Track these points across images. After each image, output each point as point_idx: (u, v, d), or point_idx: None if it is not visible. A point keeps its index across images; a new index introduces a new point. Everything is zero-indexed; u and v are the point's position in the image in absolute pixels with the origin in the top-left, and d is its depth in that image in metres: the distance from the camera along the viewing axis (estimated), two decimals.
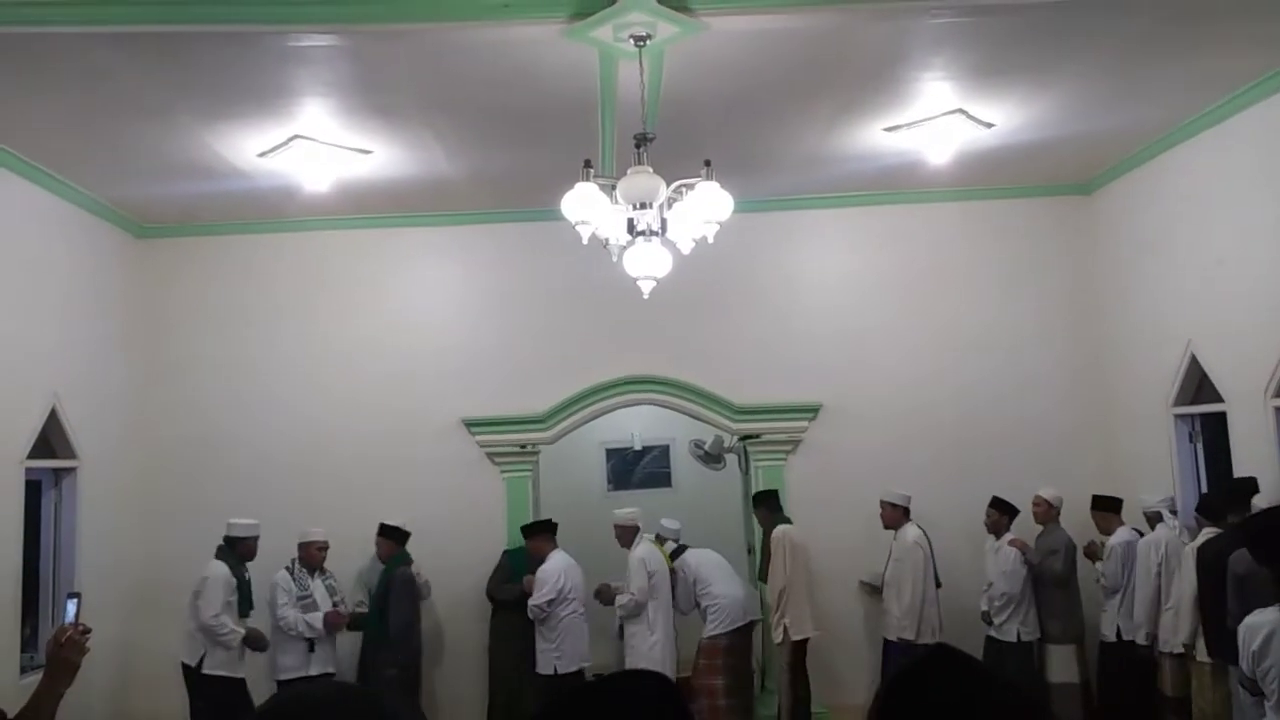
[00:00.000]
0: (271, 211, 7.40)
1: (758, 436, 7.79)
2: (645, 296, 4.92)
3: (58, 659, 2.73)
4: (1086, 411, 7.69)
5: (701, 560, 7.11)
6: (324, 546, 6.74)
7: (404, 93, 5.35)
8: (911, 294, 7.83)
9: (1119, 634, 6.53)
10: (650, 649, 6.65)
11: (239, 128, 5.69)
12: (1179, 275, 6.67)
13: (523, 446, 7.74)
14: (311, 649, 6.51)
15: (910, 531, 6.92)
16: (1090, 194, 7.81)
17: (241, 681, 6.32)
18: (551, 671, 6.64)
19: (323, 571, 6.76)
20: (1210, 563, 5.38)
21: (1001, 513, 6.99)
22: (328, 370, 7.73)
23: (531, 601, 6.67)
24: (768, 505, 7.24)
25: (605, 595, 7.04)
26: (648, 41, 4.62)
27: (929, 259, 7.86)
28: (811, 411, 7.74)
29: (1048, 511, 6.94)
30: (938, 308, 7.81)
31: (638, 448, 9.83)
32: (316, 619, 6.50)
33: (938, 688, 1.17)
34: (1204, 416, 6.65)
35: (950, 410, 7.68)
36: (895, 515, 7.02)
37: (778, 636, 6.82)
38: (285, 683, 6.40)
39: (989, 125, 6.17)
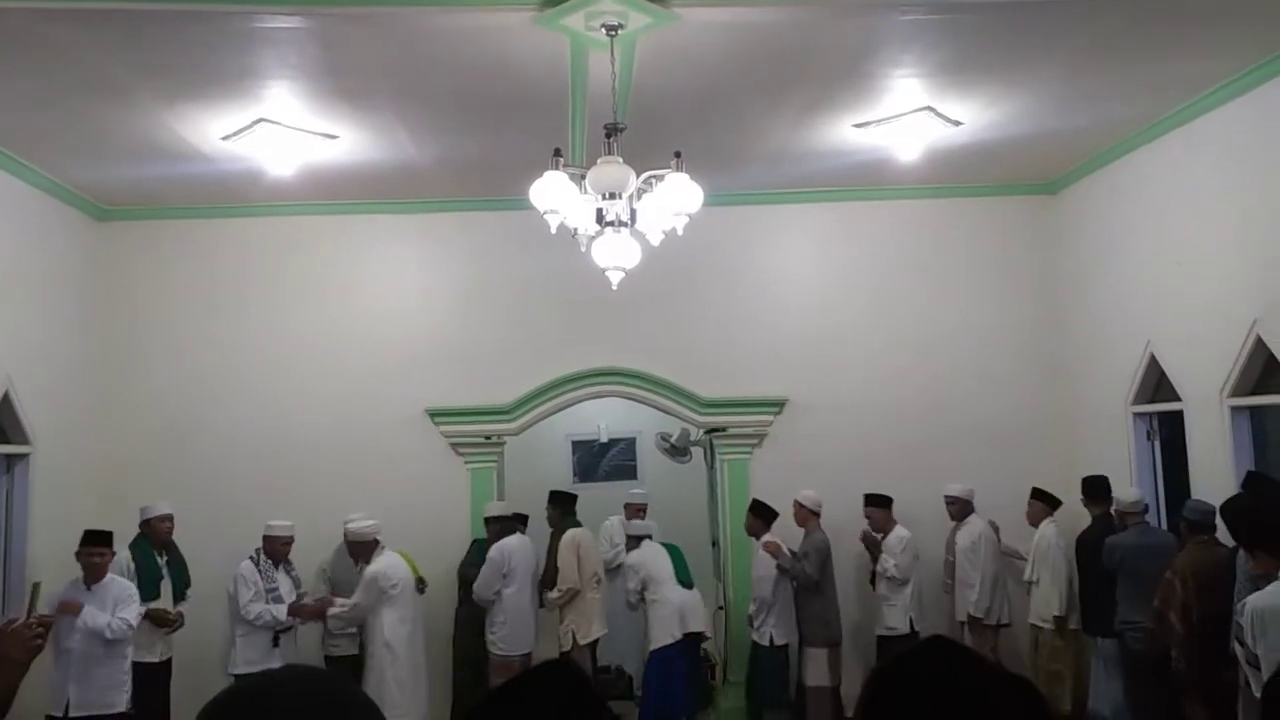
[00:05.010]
0: (235, 196, 7.29)
1: (724, 430, 7.80)
2: (614, 288, 4.92)
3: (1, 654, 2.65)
4: (1048, 408, 7.78)
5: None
6: (289, 541, 6.65)
7: (371, 77, 5.28)
8: (878, 291, 7.88)
9: (911, 624, 6.85)
10: (391, 663, 6.17)
11: (202, 110, 5.59)
12: (1140, 276, 6.76)
13: (488, 438, 7.70)
14: (275, 643, 6.41)
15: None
16: (1056, 194, 7.89)
17: (154, 666, 6.21)
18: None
19: (287, 563, 6.68)
20: (1091, 548, 6.31)
21: (757, 516, 7.10)
22: (291, 358, 7.64)
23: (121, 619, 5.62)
24: (561, 507, 7.21)
25: (305, 612, 6.47)
26: (619, 31, 4.60)
27: (896, 256, 7.90)
28: (777, 406, 7.76)
29: (804, 514, 7.06)
30: (904, 304, 7.86)
31: (604, 440, 9.83)
32: (282, 610, 6.40)
33: (925, 675, 1.17)
34: (1162, 415, 6.76)
35: (915, 406, 7.74)
36: (631, 544, 7.17)
37: (566, 643, 6.76)
38: (244, 677, 6.31)
39: (957, 123, 6.21)
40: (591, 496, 8.32)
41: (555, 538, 7.11)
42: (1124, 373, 6.92)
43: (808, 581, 6.82)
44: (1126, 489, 6.52)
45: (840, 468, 7.51)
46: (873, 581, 7.17)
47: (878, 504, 7.14)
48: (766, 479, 7.62)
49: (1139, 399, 6.86)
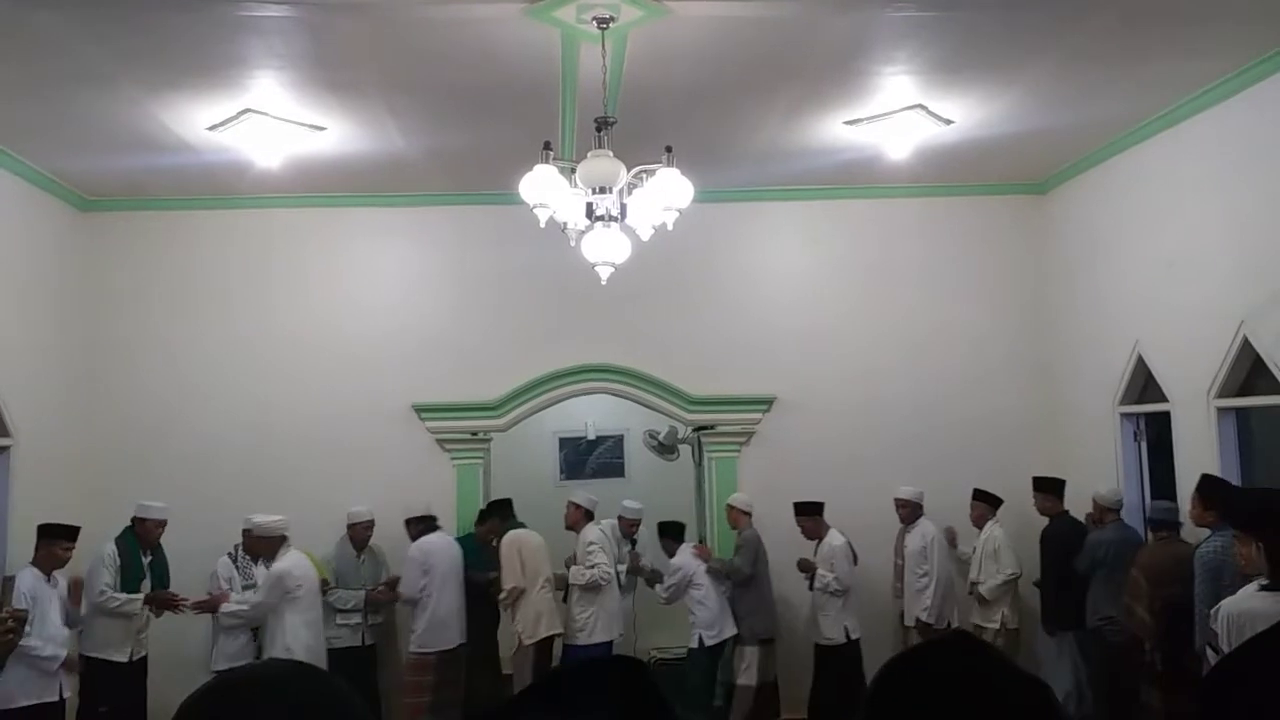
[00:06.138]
0: (221, 187, 7.22)
1: (712, 428, 7.79)
2: (603, 283, 4.89)
3: None
4: (1036, 408, 7.79)
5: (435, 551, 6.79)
6: None
7: (360, 69, 5.23)
8: (868, 289, 7.88)
9: (847, 633, 6.83)
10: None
11: (188, 100, 5.53)
12: (1129, 276, 6.78)
13: (474, 434, 7.66)
14: (255, 637, 6.38)
15: (587, 533, 6.93)
16: (1046, 193, 7.90)
17: (123, 665, 6.09)
18: None
19: (268, 559, 6.62)
20: (1057, 544, 6.53)
21: (668, 536, 7.22)
22: (277, 351, 7.58)
23: None
24: (500, 514, 7.11)
25: (201, 605, 6.33)
26: (610, 24, 4.57)
27: (886, 254, 7.90)
28: (765, 404, 7.75)
29: (736, 515, 7.16)
30: (893, 303, 7.85)
31: (591, 437, 9.79)
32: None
33: (936, 669, 1.13)
34: (1149, 416, 6.78)
35: (903, 404, 7.73)
36: (577, 515, 6.98)
37: (515, 644, 6.68)
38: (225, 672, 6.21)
39: (948, 122, 6.20)
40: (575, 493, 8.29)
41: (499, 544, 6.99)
42: (1111, 373, 6.94)
43: (740, 576, 6.88)
44: (1106, 485, 6.59)
45: (828, 466, 7.51)
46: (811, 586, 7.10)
47: (807, 512, 7.07)
48: (754, 477, 7.61)
49: (1126, 399, 6.88)
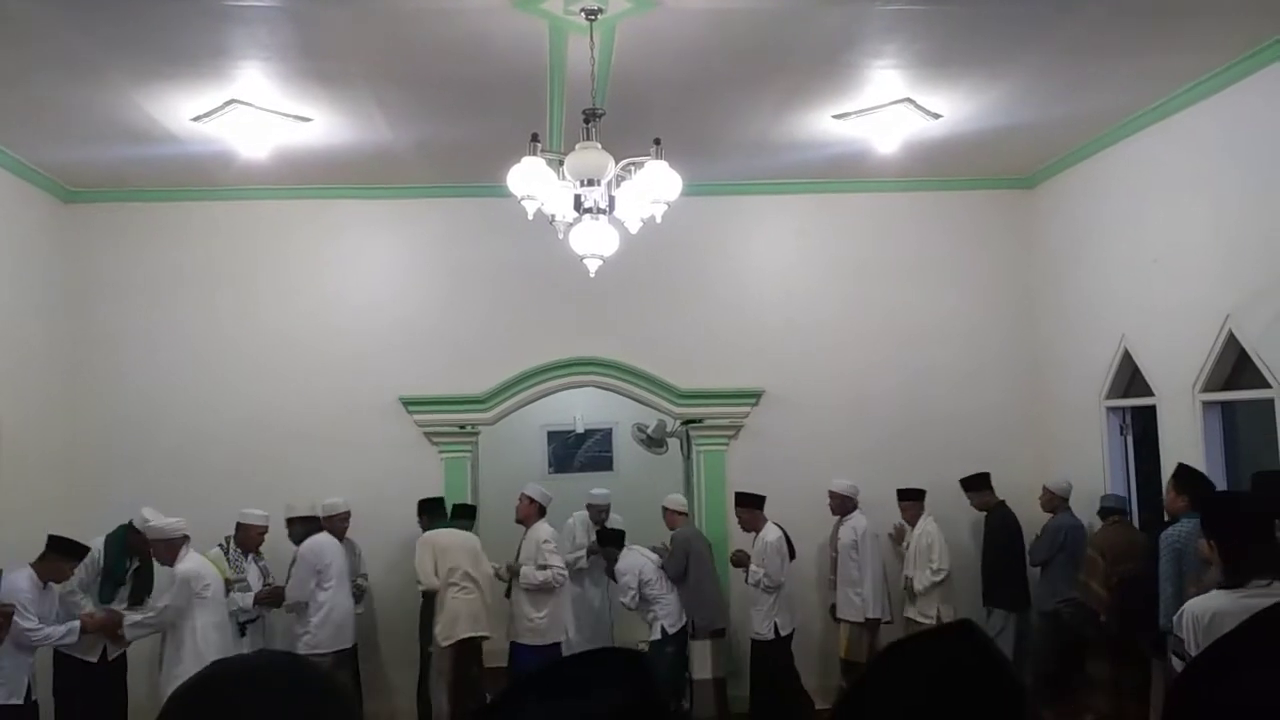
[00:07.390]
0: (206, 178, 7.17)
1: (700, 421, 7.79)
2: (591, 275, 4.88)
3: None
4: (1023, 402, 7.81)
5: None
6: (264, 530, 6.56)
7: (347, 59, 5.20)
8: (855, 283, 7.88)
9: (777, 630, 6.83)
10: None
11: (173, 90, 5.48)
12: (1116, 271, 6.80)
13: (462, 427, 7.64)
14: (243, 633, 6.32)
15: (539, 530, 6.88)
16: (1033, 188, 7.91)
17: (93, 665, 5.93)
18: None
19: (257, 554, 6.59)
20: (995, 535, 7.06)
21: (608, 544, 7.25)
22: (263, 344, 7.54)
23: None
24: (429, 513, 6.98)
25: (93, 624, 5.82)
26: (599, 16, 4.55)
27: (874, 248, 7.90)
28: (754, 397, 7.75)
29: (671, 516, 7.24)
30: (880, 296, 7.86)
31: (580, 430, 9.79)
32: (248, 598, 6.32)
33: (931, 657, 1.12)
34: (1135, 409, 6.81)
35: (890, 398, 7.75)
36: (530, 509, 6.89)
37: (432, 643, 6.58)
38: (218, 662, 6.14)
39: (936, 116, 6.20)
40: (566, 488, 8.29)
41: None
42: (1098, 367, 6.96)
43: (674, 575, 6.93)
44: (1058, 476, 6.99)
45: (816, 459, 7.51)
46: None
47: (747, 504, 7.04)
48: (742, 470, 7.61)
49: (1112, 393, 6.91)
